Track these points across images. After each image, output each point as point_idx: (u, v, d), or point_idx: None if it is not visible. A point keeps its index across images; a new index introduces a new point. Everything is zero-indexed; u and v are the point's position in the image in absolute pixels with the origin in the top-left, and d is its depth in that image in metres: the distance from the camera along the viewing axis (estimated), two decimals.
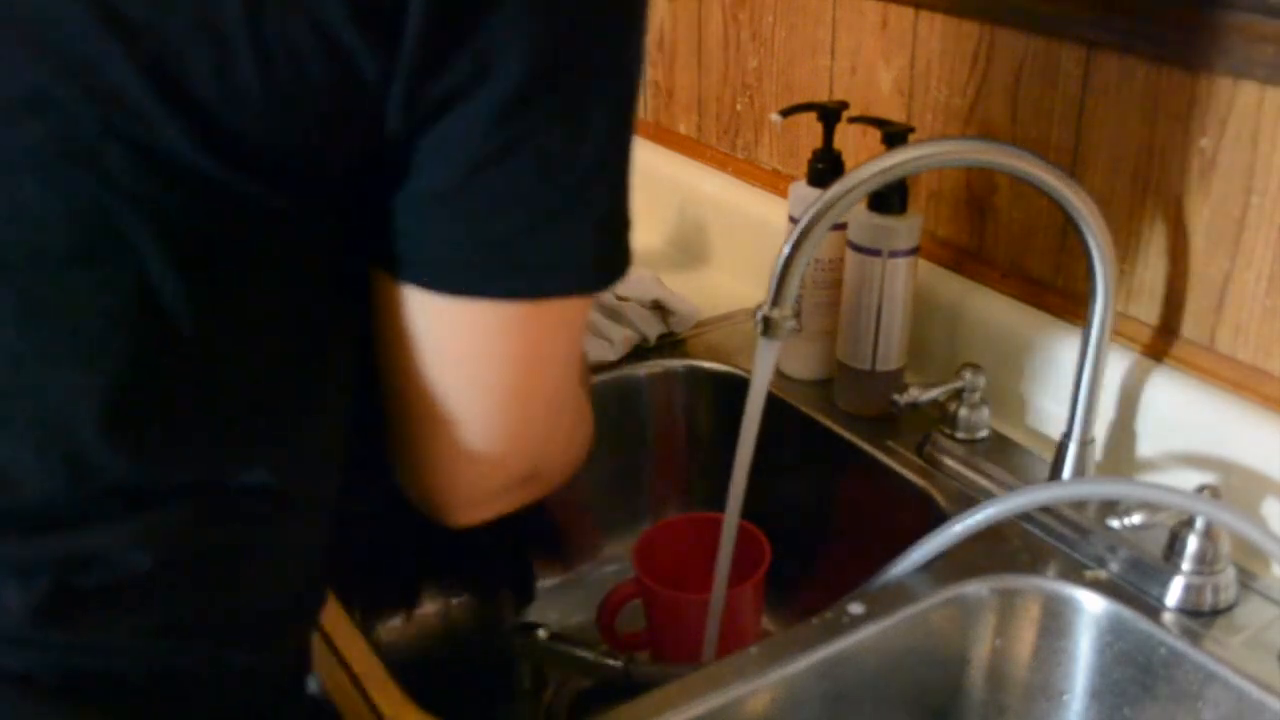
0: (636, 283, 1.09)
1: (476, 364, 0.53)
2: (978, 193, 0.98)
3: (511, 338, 0.52)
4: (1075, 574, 0.77)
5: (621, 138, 0.52)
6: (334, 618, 0.75)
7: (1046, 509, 0.81)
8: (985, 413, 0.89)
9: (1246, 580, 0.76)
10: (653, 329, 1.08)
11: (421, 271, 0.50)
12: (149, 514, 0.49)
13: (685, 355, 1.08)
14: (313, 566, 0.59)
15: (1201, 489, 0.72)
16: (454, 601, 1.01)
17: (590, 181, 0.50)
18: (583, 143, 0.49)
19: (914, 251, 0.92)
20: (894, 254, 0.91)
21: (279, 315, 0.50)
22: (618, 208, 0.53)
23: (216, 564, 0.52)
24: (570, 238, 0.51)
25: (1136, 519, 0.72)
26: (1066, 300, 0.92)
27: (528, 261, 0.50)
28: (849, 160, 0.98)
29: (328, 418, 0.54)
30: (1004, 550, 0.80)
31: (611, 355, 1.04)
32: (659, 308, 1.09)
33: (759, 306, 0.73)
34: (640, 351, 1.07)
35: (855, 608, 0.74)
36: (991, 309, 0.95)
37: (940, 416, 0.90)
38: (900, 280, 0.92)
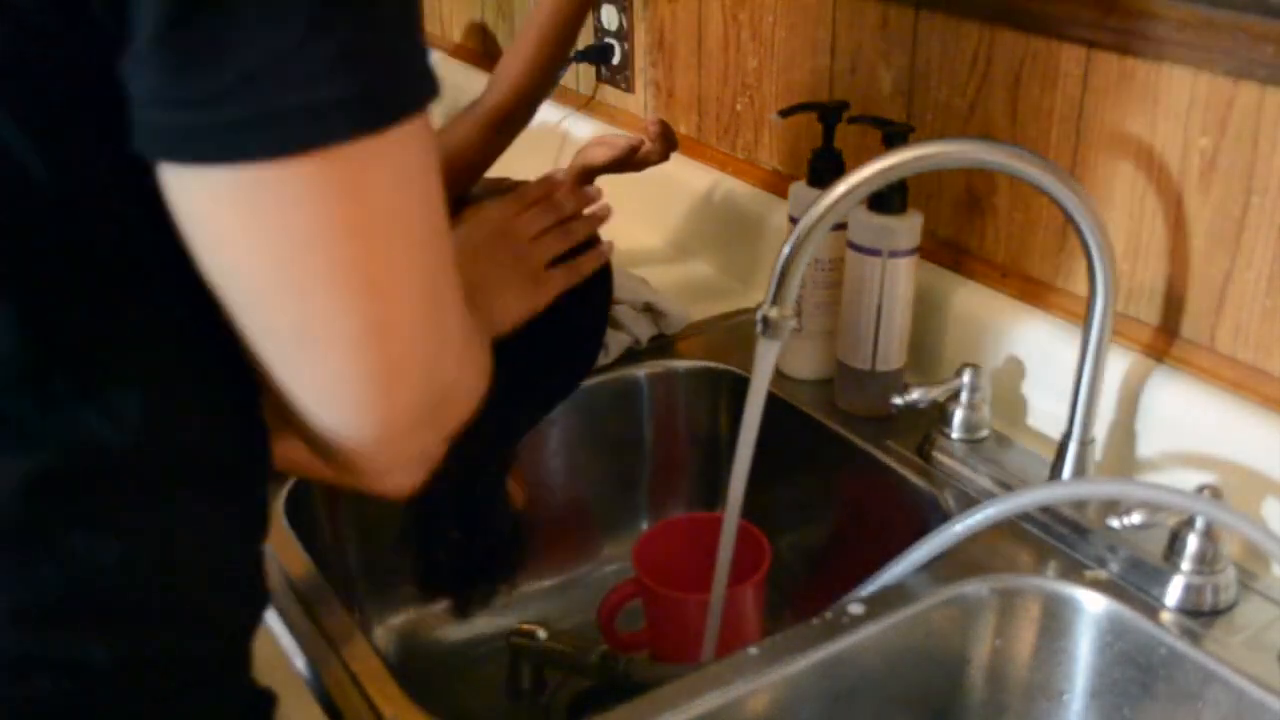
0: (627, 286, 1.09)
1: (273, 246, 0.45)
2: (978, 193, 0.98)
3: (291, 206, 0.44)
4: (1075, 574, 0.77)
5: None
6: (334, 617, 0.75)
7: (1046, 509, 0.81)
8: (985, 413, 0.89)
9: (1246, 580, 0.76)
10: (644, 331, 1.08)
11: (157, 144, 0.43)
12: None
13: (684, 355, 1.08)
14: (218, 551, 0.54)
15: (1201, 489, 0.72)
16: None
17: (320, 4, 0.42)
18: None
19: (914, 251, 0.92)
20: (894, 254, 0.91)
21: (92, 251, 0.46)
22: (376, 21, 0.44)
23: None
24: (307, 76, 0.42)
25: (1136, 519, 0.72)
26: (1066, 300, 0.92)
27: (264, 112, 0.42)
28: (849, 160, 0.98)
29: (173, 366, 0.49)
30: (1004, 550, 0.80)
31: (604, 359, 1.05)
32: (650, 310, 1.09)
33: (759, 306, 0.73)
34: (632, 353, 1.07)
35: (855, 608, 0.74)
36: (992, 309, 0.95)
37: (940, 416, 0.90)
38: (900, 280, 0.92)
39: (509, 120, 0.96)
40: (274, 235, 0.44)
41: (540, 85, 0.97)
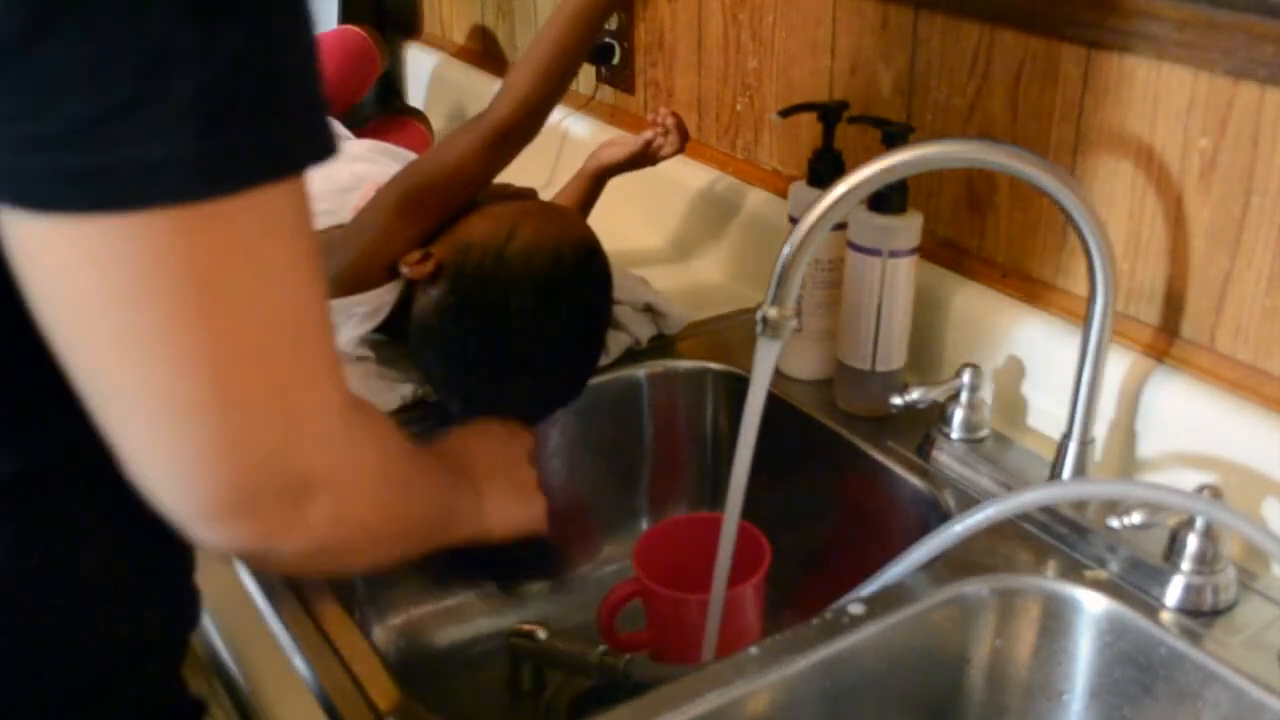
0: (627, 286, 1.09)
1: (105, 303, 0.42)
2: (978, 193, 0.98)
3: (111, 261, 0.41)
4: (1075, 574, 0.77)
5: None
6: (334, 617, 0.75)
7: (1046, 509, 0.81)
8: (985, 413, 0.89)
9: (1246, 580, 0.76)
10: (645, 331, 1.08)
11: (11, 183, 0.41)
12: None
13: (684, 355, 1.08)
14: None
15: (1201, 489, 0.72)
16: (455, 600, 1.01)
17: (169, 55, 0.39)
18: (144, 11, 0.39)
19: (914, 251, 0.92)
20: (894, 254, 0.91)
21: None
22: (225, 84, 0.41)
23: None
24: (148, 130, 0.40)
25: (1136, 519, 0.72)
26: (1066, 300, 0.92)
27: (102, 162, 0.40)
28: (849, 160, 0.98)
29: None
30: (1004, 550, 0.80)
31: (605, 359, 1.05)
32: (650, 310, 1.09)
33: (759, 306, 0.73)
34: (632, 353, 1.07)
35: (855, 608, 0.74)
36: (992, 309, 0.95)
37: (940, 416, 0.90)
38: (900, 280, 0.92)
39: (513, 135, 0.95)
40: (92, 288, 0.42)
41: (546, 101, 0.96)
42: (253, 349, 0.44)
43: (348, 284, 0.96)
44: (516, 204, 0.98)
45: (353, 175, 1.13)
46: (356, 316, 0.97)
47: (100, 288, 0.42)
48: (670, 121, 1.14)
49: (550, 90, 0.96)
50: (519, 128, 0.95)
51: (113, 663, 0.55)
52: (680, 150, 1.15)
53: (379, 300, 0.96)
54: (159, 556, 0.55)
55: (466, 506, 0.72)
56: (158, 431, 0.44)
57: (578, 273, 0.93)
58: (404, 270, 0.93)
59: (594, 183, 1.17)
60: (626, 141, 1.15)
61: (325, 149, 0.45)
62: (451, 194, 0.95)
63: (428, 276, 0.92)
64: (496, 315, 0.90)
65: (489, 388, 0.92)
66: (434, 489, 0.65)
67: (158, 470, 0.45)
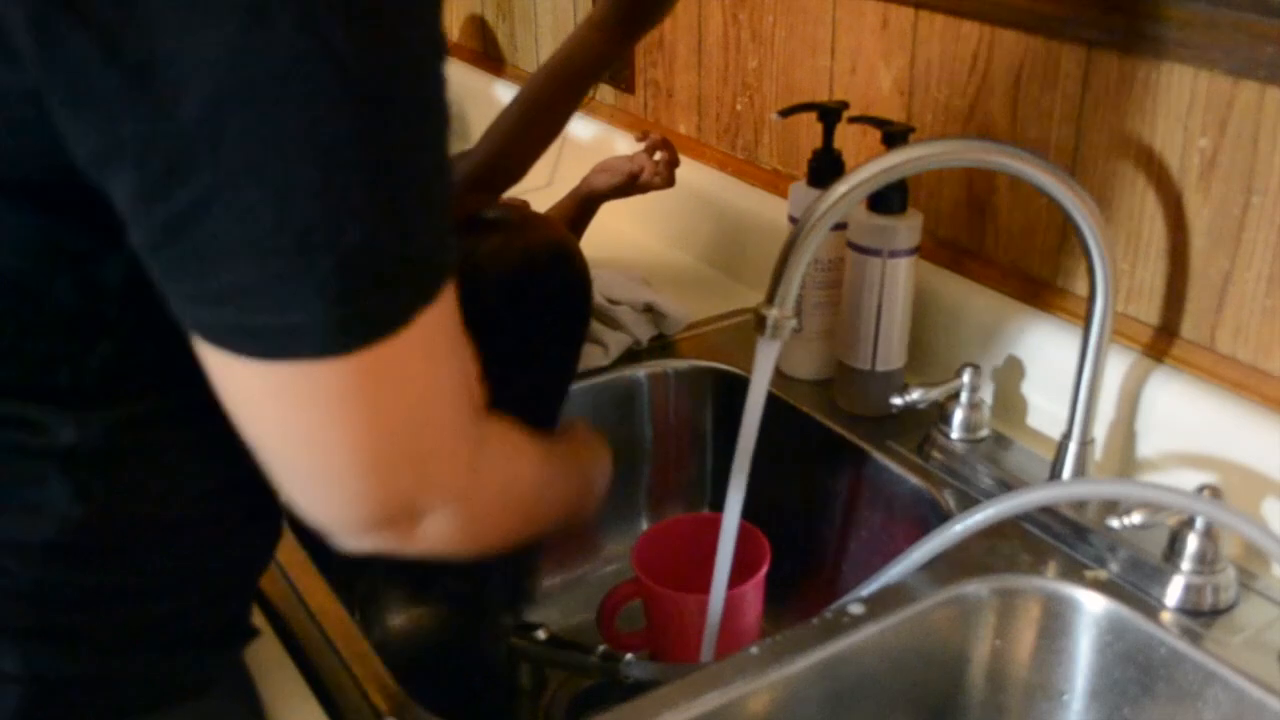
0: (628, 287, 1.09)
1: (275, 416, 0.50)
2: (978, 193, 0.98)
3: (289, 392, 0.48)
4: (1075, 574, 0.77)
5: (352, 156, 0.45)
6: (334, 617, 0.75)
7: (1046, 509, 0.81)
8: (985, 413, 0.89)
9: (1246, 580, 0.76)
10: (645, 332, 1.08)
11: (182, 318, 0.48)
12: None
13: (684, 355, 1.08)
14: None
15: (1201, 489, 0.72)
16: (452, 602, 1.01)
17: (309, 237, 0.44)
18: (278, 185, 0.44)
19: (914, 251, 0.92)
20: (894, 254, 0.91)
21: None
22: (360, 259, 0.46)
23: None
24: (295, 293, 0.45)
25: (1136, 519, 0.72)
26: (1066, 300, 0.92)
27: (252, 324, 0.46)
28: (849, 160, 0.98)
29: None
30: (1004, 550, 0.80)
31: (605, 360, 1.05)
32: (650, 310, 1.09)
33: (759, 306, 0.73)
34: (633, 354, 1.07)
35: (855, 608, 0.74)
36: (991, 309, 0.95)
37: (940, 416, 0.90)
38: (900, 280, 0.92)
39: (494, 181, 0.96)
40: (263, 404, 0.49)
41: (526, 153, 0.96)
42: (398, 436, 0.52)
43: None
44: (495, 218, 0.98)
45: None
46: None
47: (267, 404, 0.49)
48: (662, 157, 1.13)
49: (530, 143, 0.95)
50: (498, 175, 0.95)
51: (213, 583, 0.61)
52: (669, 184, 1.14)
53: None
54: (248, 481, 0.59)
55: (579, 493, 0.77)
56: (316, 485, 0.53)
57: (549, 274, 0.92)
58: None
59: (582, 206, 1.17)
60: (617, 169, 1.15)
61: (449, 270, 0.51)
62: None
63: None
64: (468, 319, 0.89)
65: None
66: (563, 484, 0.71)
67: (310, 501, 0.53)
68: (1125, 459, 0.86)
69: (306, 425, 0.50)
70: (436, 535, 0.56)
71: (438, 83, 0.48)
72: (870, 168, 0.71)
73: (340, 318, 0.46)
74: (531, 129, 0.95)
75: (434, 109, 0.48)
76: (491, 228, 0.95)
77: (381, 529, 0.54)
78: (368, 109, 0.44)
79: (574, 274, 0.94)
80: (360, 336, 0.47)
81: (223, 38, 0.41)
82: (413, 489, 0.54)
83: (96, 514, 0.53)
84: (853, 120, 0.95)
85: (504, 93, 1.61)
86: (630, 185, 1.14)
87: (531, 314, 0.90)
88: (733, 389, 1.05)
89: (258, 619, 0.76)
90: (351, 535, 0.55)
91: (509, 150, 0.95)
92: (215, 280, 0.45)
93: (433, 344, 0.51)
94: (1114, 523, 0.73)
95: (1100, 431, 0.85)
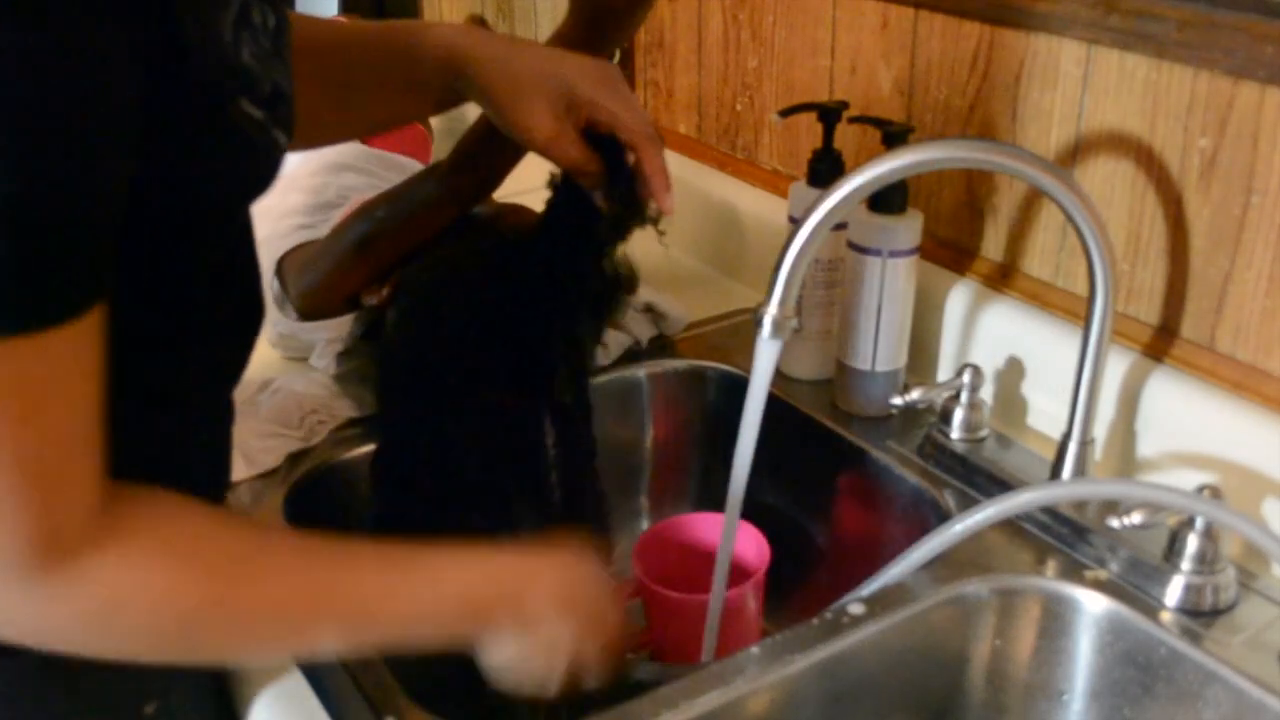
0: None
1: None
2: (978, 193, 0.98)
3: None
4: (1075, 574, 0.77)
5: None
6: None
7: (1046, 509, 0.81)
8: (985, 413, 0.89)
9: (1246, 580, 0.76)
10: (645, 332, 1.08)
11: None
12: None
13: (684, 355, 1.08)
14: None
15: (1201, 489, 0.72)
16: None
17: None
18: None
19: (914, 251, 0.92)
20: (894, 254, 0.91)
21: None
22: None
23: None
24: None
25: (1136, 519, 0.72)
26: (1066, 300, 0.92)
27: None
28: (849, 160, 0.98)
29: None
30: (1004, 550, 0.80)
31: (604, 360, 1.05)
32: (650, 310, 1.09)
33: (759, 306, 0.73)
34: (633, 354, 1.07)
35: (855, 608, 0.74)
36: (991, 309, 0.95)
37: (940, 416, 0.90)
38: (900, 280, 0.92)
39: (463, 197, 0.96)
40: None
41: (495, 166, 0.95)
42: None
43: (309, 309, 1.00)
44: (471, 219, 0.98)
45: (339, 190, 1.13)
46: (320, 343, 1.01)
47: None
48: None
49: (502, 154, 0.94)
50: (466, 190, 0.95)
51: None
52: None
53: (341, 329, 1.00)
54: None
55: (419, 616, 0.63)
56: None
57: (523, 256, 0.91)
58: (366, 301, 0.96)
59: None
60: None
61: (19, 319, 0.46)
62: (407, 240, 0.96)
63: (385, 302, 0.94)
64: (449, 313, 0.89)
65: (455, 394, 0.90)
66: (295, 581, 0.59)
67: None
68: (1125, 459, 0.86)
69: None
70: (8, 625, 0.52)
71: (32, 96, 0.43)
72: (870, 168, 0.71)
73: None
74: (500, 138, 0.94)
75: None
76: (467, 227, 0.96)
77: None
78: None
79: (544, 249, 0.93)
80: None
81: None
82: None
83: None
84: (853, 120, 0.95)
85: None
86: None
87: (511, 300, 0.89)
88: (733, 389, 1.05)
89: None
90: None
91: (478, 163, 0.94)
92: None
93: None
94: (1114, 523, 0.73)
95: (1100, 431, 0.85)
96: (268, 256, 1.01)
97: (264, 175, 0.60)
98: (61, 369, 0.48)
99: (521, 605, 0.64)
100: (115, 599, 0.52)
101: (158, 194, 0.52)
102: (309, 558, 0.59)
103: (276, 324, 1.03)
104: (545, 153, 0.75)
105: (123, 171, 0.48)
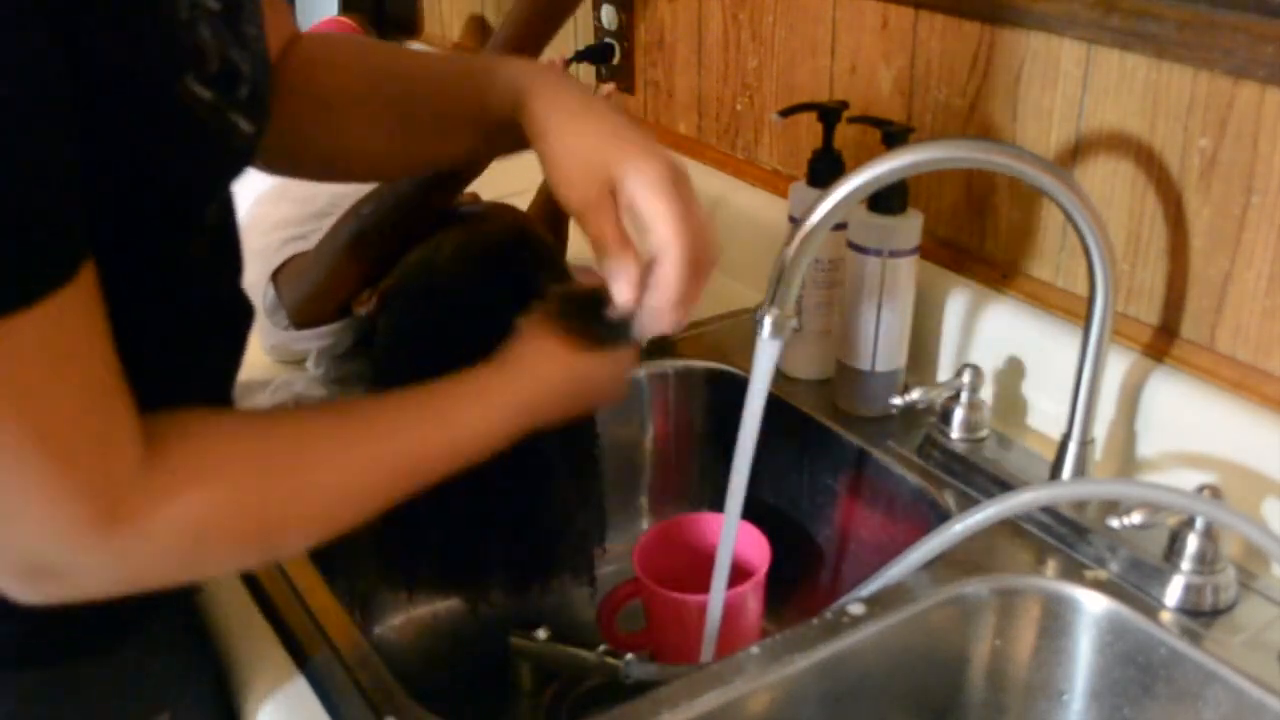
0: None
1: None
2: (978, 193, 0.98)
3: None
4: (1075, 574, 0.77)
5: None
6: (334, 617, 0.75)
7: (1046, 509, 0.81)
8: (985, 413, 0.89)
9: (1246, 580, 0.76)
10: None
11: None
12: None
13: (684, 355, 1.08)
14: None
15: (1201, 489, 0.72)
16: (455, 600, 1.01)
17: None
18: None
19: (914, 251, 0.92)
20: (894, 254, 0.91)
21: None
22: None
23: None
24: None
25: (1136, 519, 0.72)
26: (1066, 300, 0.92)
27: None
28: (849, 160, 0.98)
29: None
30: (1004, 550, 0.80)
31: None
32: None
33: (759, 306, 0.73)
34: None
35: (855, 608, 0.74)
36: (991, 309, 0.95)
37: (940, 416, 0.90)
38: (900, 280, 0.92)
39: (445, 188, 0.96)
40: None
41: (465, 170, 0.96)
42: None
43: (303, 317, 1.01)
44: (459, 213, 0.98)
45: (330, 198, 1.13)
46: (314, 351, 1.01)
47: None
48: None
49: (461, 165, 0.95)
50: (452, 173, 0.95)
51: None
52: None
53: (334, 335, 1.01)
54: None
55: (466, 421, 0.66)
56: None
57: (510, 255, 0.91)
58: (357, 311, 0.97)
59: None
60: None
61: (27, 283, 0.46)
62: (395, 235, 0.97)
63: (376, 309, 0.95)
64: (439, 316, 0.89)
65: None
66: (348, 456, 0.61)
67: None
68: (1125, 459, 0.86)
69: None
70: (97, 585, 0.52)
71: None
72: (870, 168, 0.71)
73: None
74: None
75: None
76: (453, 222, 0.96)
77: (23, 583, 0.51)
78: None
79: (535, 255, 0.94)
80: None
81: None
82: (20, 547, 0.50)
83: None
84: (853, 120, 0.95)
85: None
86: None
87: (501, 299, 0.89)
88: (733, 389, 1.05)
89: (257, 618, 0.76)
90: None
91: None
92: None
93: None
94: (1114, 523, 0.73)
95: (1100, 431, 0.85)
96: (261, 269, 1.01)
97: (223, 161, 0.59)
98: (74, 332, 0.48)
99: (555, 375, 0.70)
100: (194, 531, 0.53)
101: (115, 177, 0.51)
102: (357, 423, 0.61)
103: (268, 335, 1.03)
104: (577, 219, 0.75)
105: (67, 135, 0.47)
